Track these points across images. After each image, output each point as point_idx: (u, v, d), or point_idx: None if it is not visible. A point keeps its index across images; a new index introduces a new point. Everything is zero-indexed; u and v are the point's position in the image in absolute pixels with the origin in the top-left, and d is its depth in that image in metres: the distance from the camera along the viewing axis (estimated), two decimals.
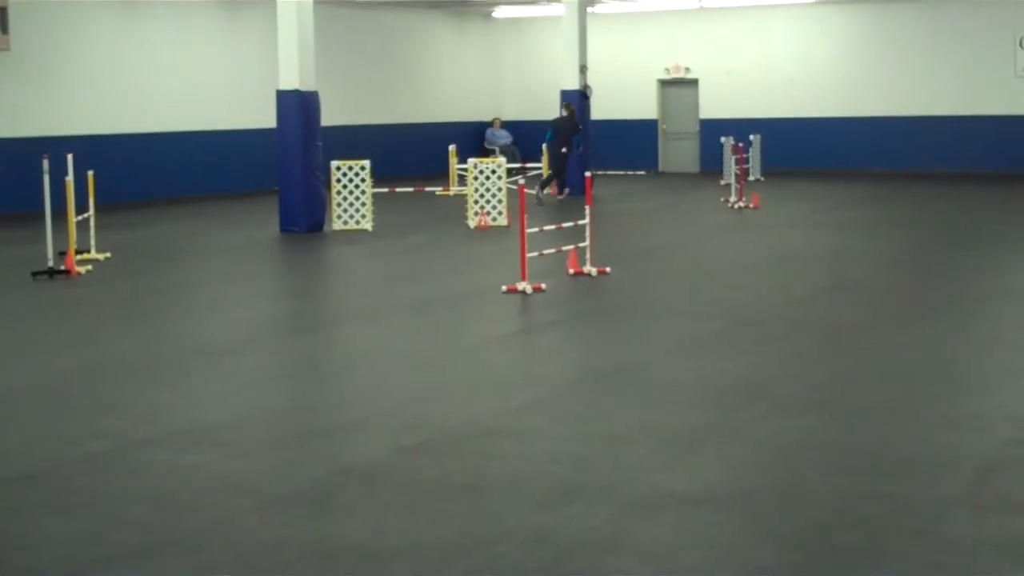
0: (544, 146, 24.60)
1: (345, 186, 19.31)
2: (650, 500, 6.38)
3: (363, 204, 19.31)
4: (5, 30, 21.30)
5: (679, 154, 31.97)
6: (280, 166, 19.19)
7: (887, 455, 7.17)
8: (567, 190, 24.11)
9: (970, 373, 9.40)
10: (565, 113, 24.33)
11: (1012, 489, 6.53)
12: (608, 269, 14.11)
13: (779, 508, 6.26)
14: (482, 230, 19.01)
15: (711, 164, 29.91)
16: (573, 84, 25.49)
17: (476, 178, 19.50)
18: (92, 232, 16.31)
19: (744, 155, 24.68)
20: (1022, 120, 27.92)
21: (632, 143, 31.60)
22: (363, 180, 19.29)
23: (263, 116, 22.09)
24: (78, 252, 15.61)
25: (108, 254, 16.21)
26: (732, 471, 6.89)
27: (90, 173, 16.56)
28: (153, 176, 24.32)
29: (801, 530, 5.95)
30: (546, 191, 23.61)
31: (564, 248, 14.31)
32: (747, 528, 6.01)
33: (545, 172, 24.45)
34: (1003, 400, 8.47)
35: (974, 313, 11.71)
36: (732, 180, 23.31)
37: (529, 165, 26.21)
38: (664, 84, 31.92)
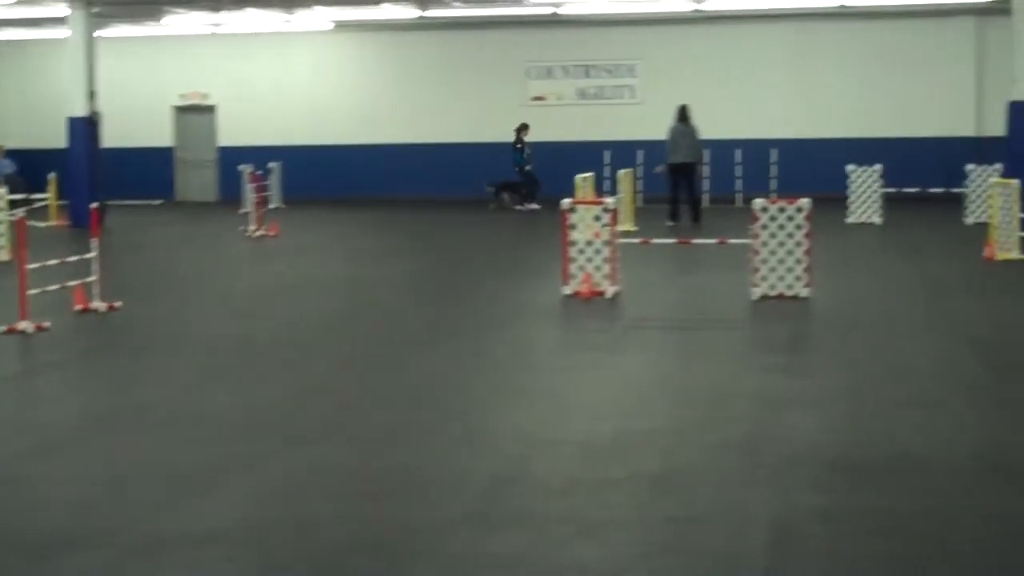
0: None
1: None
2: (153, 542, 6.08)
3: None
4: None
5: (196, 182, 31.40)
6: None
7: (400, 478, 7.19)
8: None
9: (483, 393, 9.62)
10: None
11: (519, 503, 6.69)
12: (119, 304, 13.53)
13: (292, 540, 6.13)
14: None
15: (230, 192, 29.52)
16: (82, 110, 24.46)
17: None
18: None
19: (263, 183, 24.52)
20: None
21: (146, 171, 30.72)
22: None
23: None
24: None
25: None
26: (243, 506, 6.68)
27: None
28: None
29: (313, 560, 5.84)
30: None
31: (70, 283, 13.60)
32: (257, 563, 5.83)
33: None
34: (514, 418, 8.72)
35: (486, 335, 12.05)
36: (251, 208, 23.07)
37: (35, 196, 24.91)
38: (180, 110, 31.28)
